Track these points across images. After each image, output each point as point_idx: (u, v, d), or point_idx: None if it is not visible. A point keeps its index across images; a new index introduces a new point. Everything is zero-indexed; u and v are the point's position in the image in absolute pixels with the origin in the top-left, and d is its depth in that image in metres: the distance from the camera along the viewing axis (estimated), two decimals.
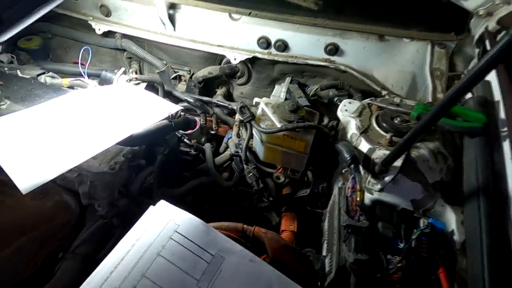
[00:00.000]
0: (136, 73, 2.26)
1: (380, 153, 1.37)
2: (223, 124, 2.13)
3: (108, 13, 2.06)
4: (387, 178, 1.34)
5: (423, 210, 1.36)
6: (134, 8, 2.01)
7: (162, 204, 1.13)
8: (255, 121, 1.50)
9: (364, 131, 1.46)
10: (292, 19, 1.83)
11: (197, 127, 1.95)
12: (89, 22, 2.08)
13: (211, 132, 2.09)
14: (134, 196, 1.44)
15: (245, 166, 1.56)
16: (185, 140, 1.80)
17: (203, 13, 1.93)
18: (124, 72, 1.89)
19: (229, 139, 1.83)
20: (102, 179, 1.30)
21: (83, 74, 1.75)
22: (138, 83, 1.86)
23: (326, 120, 1.88)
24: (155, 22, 1.99)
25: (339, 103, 1.93)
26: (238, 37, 1.95)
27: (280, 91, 1.99)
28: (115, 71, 1.86)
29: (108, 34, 2.14)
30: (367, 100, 1.62)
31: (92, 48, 2.23)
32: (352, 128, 1.49)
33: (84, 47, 1.83)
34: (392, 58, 1.87)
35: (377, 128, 1.47)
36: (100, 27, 2.07)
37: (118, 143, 1.30)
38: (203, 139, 2.02)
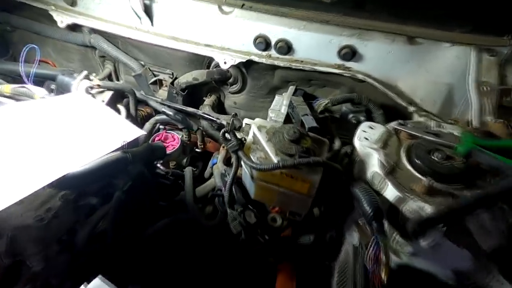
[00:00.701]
0: (109, 76, 1.89)
1: (414, 206, 0.99)
2: (213, 140, 1.75)
3: (73, 2, 1.68)
4: (423, 243, 0.96)
5: (472, 286, 0.99)
6: None
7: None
8: (244, 151, 1.12)
9: (391, 171, 1.08)
10: (297, 14, 1.43)
11: (176, 146, 1.58)
12: (50, 12, 1.70)
13: (196, 150, 1.72)
14: (79, 249, 1.08)
15: (228, 210, 1.18)
16: (158, 164, 1.43)
17: (186, 5, 1.54)
18: (88, 77, 1.51)
19: (214, 164, 1.46)
20: (26, 233, 0.95)
21: (25, 79, 1.38)
22: (102, 92, 1.49)
23: (337, 143, 1.49)
24: (129, 14, 1.60)
25: (354, 121, 1.55)
26: (230, 35, 1.57)
27: (281, 104, 1.60)
28: (75, 74, 1.49)
29: (76, 27, 1.77)
30: (394, 124, 1.23)
31: (57, 44, 1.88)
32: (374, 164, 1.11)
33: (29, 46, 1.45)
34: (424, 65, 1.47)
35: (409, 167, 1.08)
36: (63, 19, 1.69)
37: (49, 185, 0.93)
38: (184, 160, 1.65)
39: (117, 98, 1.59)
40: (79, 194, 1.06)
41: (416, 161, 1.08)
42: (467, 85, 1.36)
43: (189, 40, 1.61)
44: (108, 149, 1.02)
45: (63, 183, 0.93)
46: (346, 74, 1.52)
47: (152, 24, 1.62)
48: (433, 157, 1.07)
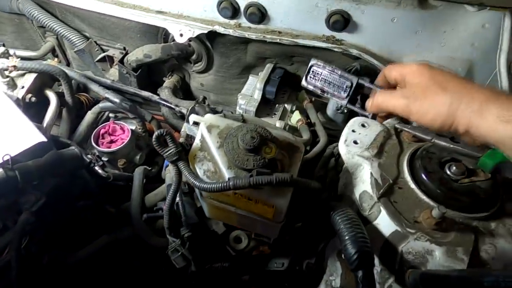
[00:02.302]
0: (54, 53, 1.55)
1: (418, 247, 0.70)
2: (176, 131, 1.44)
3: None
4: None
5: None
6: None
7: None
8: (185, 162, 0.81)
9: (387, 192, 0.77)
10: None
11: (126, 140, 1.28)
12: None
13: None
14: None
15: (169, 238, 0.89)
16: (95, 167, 1.14)
17: None
18: (6, 54, 1.19)
19: (167, 166, 1.16)
20: None
21: None
22: (23, 75, 1.17)
23: (323, 140, 1.17)
24: None
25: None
26: None
27: (254, 87, 1.28)
28: None
29: None
30: (392, 121, 0.91)
31: None
32: (365, 180, 0.81)
33: None
34: (438, 37, 1.13)
35: (413, 186, 0.78)
36: None
37: None
38: (137, 157, 1.35)
39: (48, 81, 1.27)
40: None
41: (423, 177, 0.77)
42: (497, 63, 1.01)
43: (136, 6, 1.26)
44: None
45: None
46: (337, 50, 1.18)
47: None
48: (447, 172, 0.77)
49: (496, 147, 0.60)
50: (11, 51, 1.20)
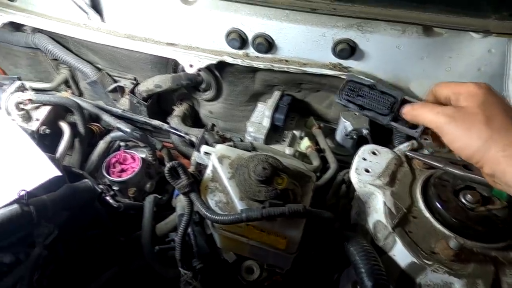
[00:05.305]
0: (67, 84, 1.60)
1: (436, 279, 0.68)
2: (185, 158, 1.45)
3: None
4: None
5: None
6: None
7: None
8: (198, 193, 0.82)
9: (402, 221, 0.76)
10: (278, 1, 1.11)
11: (136, 169, 1.29)
12: None
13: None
14: None
15: (181, 270, 0.88)
16: (106, 197, 1.14)
17: None
18: (22, 88, 1.22)
19: (178, 195, 1.16)
20: None
21: None
22: (38, 107, 1.20)
23: (333, 167, 1.17)
24: (75, 8, 1.30)
25: (354, 136, 1.22)
26: (197, 30, 1.25)
27: (262, 114, 1.29)
28: (5, 85, 1.20)
29: (20, 27, 1.48)
30: (404, 147, 0.91)
31: (2, 47, 1.59)
32: (378, 210, 0.79)
33: None
34: (444, 63, 1.14)
35: (427, 215, 0.77)
36: None
37: None
38: (148, 185, 1.35)
39: (61, 112, 1.30)
40: None
41: (438, 205, 0.76)
42: (504, 88, 1.02)
43: (147, 39, 1.30)
44: (2, 201, 0.73)
45: None
46: (344, 76, 1.19)
47: (103, 20, 1.32)
48: (462, 200, 0.76)
49: None
50: (27, 84, 1.24)
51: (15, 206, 0.73)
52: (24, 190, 0.73)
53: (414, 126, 0.74)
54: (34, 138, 1.12)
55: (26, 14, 1.39)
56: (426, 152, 0.88)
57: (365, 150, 0.89)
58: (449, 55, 1.12)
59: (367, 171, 0.85)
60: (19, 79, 1.38)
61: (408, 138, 1.12)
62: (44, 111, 1.20)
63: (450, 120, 0.58)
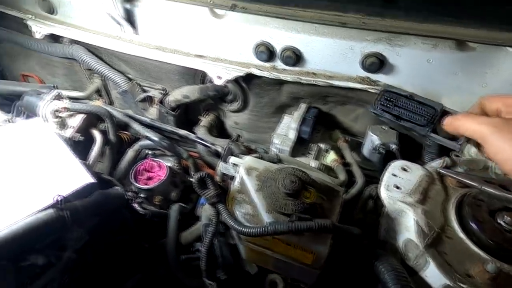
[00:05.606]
0: (99, 93, 1.66)
1: None
2: (211, 168, 1.47)
3: (51, 9, 1.47)
4: None
5: None
6: (80, 1, 1.39)
7: None
8: (225, 204, 0.82)
9: (435, 241, 0.73)
10: (307, 15, 1.11)
11: (162, 178, 1.31)
12: (27, 22, 1.49)
13: (190, 180, 1.44)
14: None
15: (206, 280, 0.89)
16: (133, 204, 1.17)
17: (173, 8, 1.27)
18: (59, 96, 1.28)
19: (202, 205, 1.17)
20: None
21: None
22: (72, 115, 1.25)
23: (360, 182, 1.15)
24: (112, 22, 1.35)
25: (382, 151, 1.20)
26: (226, 43, 1.28)
27: (288, 126, 1.30)
28: (43, 94, 1.26)
29: (58, 38, 1.56)
30: (436, 164, 0.88)
31: (42, 57, 1.68)
32: (409, 228, 0.77)
33: None
34: (479, 78, 1.11)
35: (462, 235, 0.74)
36: (40, 29, 1.48)
37: None
38: (173, 194, 1.37)
39: (94, 121, 1.35)
40: (13, 251, 0.81)
41: (473, 226, 0.73)
42: None
43: (177, 50, 1.34)
44: (40, 205, 0.76)
45: None
46: (372, 90, 1.18)
47: (136, 32, 1.37)
48: (499, 221, 0.72)
49: None
50: (63, 93, 1.30)
51: (51, 210, 0.76)
52: (60, 195, 0.76)
53: (454, 138, 0.72)
54: (68, 144, 1.17)
55: (65, 26, 1.47)
56: (460, 169, 0.85)
57: (395, 166, 0.88)
58: (485, 70, 1.09)
59: (397, 187, 0.83)
60: (56, 87, 1.45)
61: (440, 154, 1.09)
62: (78, 119, 1.25)
63: (495, 130, 0.57)
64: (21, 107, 1.29)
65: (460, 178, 0.81)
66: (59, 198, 0.76)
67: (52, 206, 0.76)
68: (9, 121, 1.21)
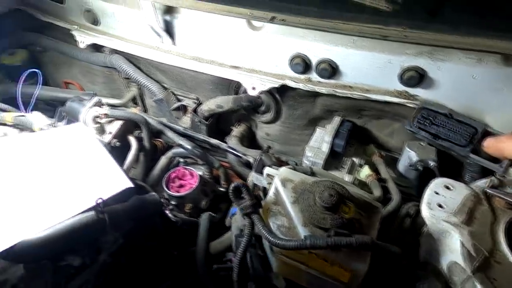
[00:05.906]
0: (134, 101, 1.71)
1: None
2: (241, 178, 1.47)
3: (95, 21, 1.54)
4: None
5: None
6: (123, 13, 1.45)
7: None
8: (260, 215, 0.81)
9: (483, 265, 0.69)
10: (345, 28, 1.11)
11: (194, 186, 1.32)
12: (72, 32, 1.57)
13: (220, 189, 1.44)
14: None
15: None
16: (166, 211, 1.18)
17: (211, 20, 1.30)
18: (99, 103, 1.33)
19: (233, 215, 1.17)
20: None
21: (20, 107, 1.23)
22: (111, 121, 1.30)
23: (396, 199, 1.11)
24: (151, 33, 1.40)
25: (419, 167, 1.16)
26: (261, 54, 1.29)
27: (322, 139, 1.28)
28: (85, 100, 1.32)
29: (100, 48, 1.63)
30: (482, 184, 0.84)
31: (83, 66, 1.76)
32: (454, 250, 0.73)
33: (30, 70, 1.31)
34: None
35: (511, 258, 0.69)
36: (84, 39, 1.55)
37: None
38: (203, 202, 1.38)
39: (131, 127, 1.39)
40: (52, 251, 0.84)
41: None
42: None
43: (213, 61, 1.37)
44: (81, 207, 0.78)
45: (13, 255, 0.70)
46: (410, 104, 1.15)
47: (174, 43, 1.41)
48: None
49: None
50: (103, 100, 1.35)
51: (92, 213, 0.78)
52: (101, 198, 0.78)
53: (495, 160, 0.68)
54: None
55: (107, 37, 1.53)
56: (509, 190, 0.80)
57: (437, 183, 0.84)
58: None
59: (440, 206, 0.79)
60: (95, 95, 1.51)
61: (482, 174, 1.04)
62: (116, 125, 1.29)
63: None
64: (64, 112, 1.35)
65: (510, 199, 0.76)
66: (100, 201, 0.78)
67: (93, 208, 0.78)
68: (52, 126, 1.26)
